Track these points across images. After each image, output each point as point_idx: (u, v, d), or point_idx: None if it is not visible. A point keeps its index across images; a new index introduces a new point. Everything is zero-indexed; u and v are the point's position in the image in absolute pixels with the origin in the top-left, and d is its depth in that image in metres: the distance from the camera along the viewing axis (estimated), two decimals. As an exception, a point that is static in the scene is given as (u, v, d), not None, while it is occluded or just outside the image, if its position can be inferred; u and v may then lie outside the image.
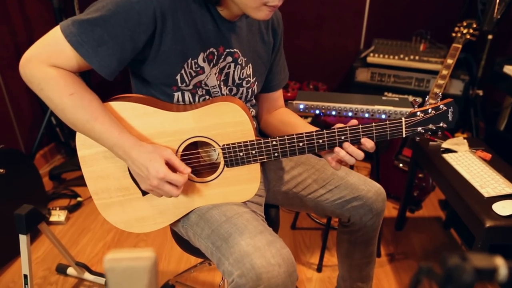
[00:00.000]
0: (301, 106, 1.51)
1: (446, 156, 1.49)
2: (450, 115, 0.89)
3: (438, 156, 1.50)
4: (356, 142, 0.91)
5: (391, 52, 2.20)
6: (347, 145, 0.91)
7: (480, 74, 2.04)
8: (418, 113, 0.90)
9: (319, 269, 1.65)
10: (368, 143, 0.91)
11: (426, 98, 0.91)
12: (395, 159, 2.03)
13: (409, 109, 1.53)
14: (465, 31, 1.93)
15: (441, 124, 0.90)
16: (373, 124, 0.89)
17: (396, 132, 0.90)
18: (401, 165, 2.01)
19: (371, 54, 2.19)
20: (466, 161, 1.43)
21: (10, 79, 2.05)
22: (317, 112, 1.50)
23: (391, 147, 2.07)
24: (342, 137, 0.91)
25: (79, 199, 2.03)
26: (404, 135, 0.91)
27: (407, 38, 2.36)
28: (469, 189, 1.29)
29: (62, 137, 2.34)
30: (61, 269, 1.61)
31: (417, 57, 2.13)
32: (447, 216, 1.94)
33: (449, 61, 1.91)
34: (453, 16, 2.26)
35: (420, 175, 1.96)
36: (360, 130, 0.90)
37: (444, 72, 1.91)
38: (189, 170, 0.88)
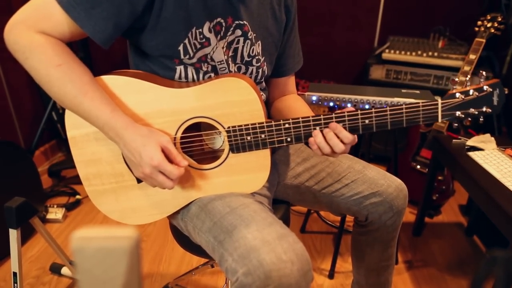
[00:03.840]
0: (314, 98, 1.40)
1: (472, 154, 1.37)
2: (495, 98, 0.77)
3: (463, 155, 1.38)
4: (383, 127, 0.80)
5: (408, 49, 2.09)
6: (334, 126, 0.79)
7: (504, 71, 1.92)
8: (458, 94, 0.78)
9: (331, 276, 1.53)
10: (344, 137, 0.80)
11: (467, 78, 0.79)
12: (412, 160, 1.91)
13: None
14: (489, 25, 1.81)
15: (484, 109, 0.78)
16: (404, 105, 0.78)
17: (431, 116, 0.78)
18: (418, 166, 1.88)
19: (387, 50, 2.09)
20: (495, 160, 1.31)
21: (11, 72, 1.98)
22: (331, 104, 1.40)
23: (408, 148, 1.95)
24: (367, 121, 0.79)
25: (78, 197, 1.95)
26: (439, 120, 0.79)
27: (424, 36, 2.25)
28: (501, 189, 1.17)
29: (63, 134, 2.27)
30: (55, 269, 1.52)
31: (435, 54, 2.02)
32: (469, 222, 1.80)
33: (472, 56, 1.79)
34: (474, 12, 2.15)
35: (439, 178, 1.83)
36: (388, 112, 0.78)
37: (466, 68, 1.79)
38: (186, 163, 0.78)
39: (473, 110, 0.78)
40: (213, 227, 0.79)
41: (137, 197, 0.88)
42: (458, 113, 0.79)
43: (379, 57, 2.11)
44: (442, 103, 0.78)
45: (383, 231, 1.04)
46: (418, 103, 0.78)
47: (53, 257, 1.58)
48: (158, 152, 0.75)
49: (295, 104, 1.02)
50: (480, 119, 0.79)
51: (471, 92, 0.77)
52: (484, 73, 0.78)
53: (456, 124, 0.80)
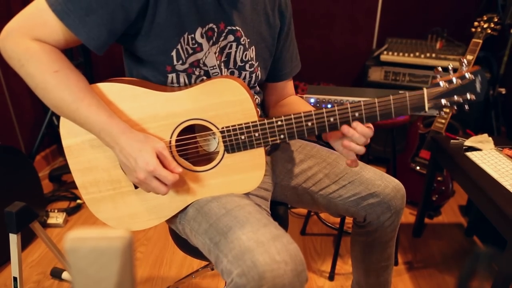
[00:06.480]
0: (312, 100, 1.41)
1: (470, 154, 1.37)
2: (478, 85, 0.78)
3: (461, 155, 1.38)
4: (373, 119, 0.81)
5: (406, 50, 2.10)
6: (355, 124, 0.81)
7: (502, 71, 1.92)
8: (442, 83, 0.79)
9: (331, 278, 1.53)
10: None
11: (450, 67, 0.80)
12: (411, 161, 1.91)
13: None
14: (485, 25, 1.81)
15: (468, 96, 0.79)
16: (391, 97, 0.79)
17: (418, 105, 0.80)
18: (418, 167, 1.89)
19: (385, 52, 2.10)
20: (493, 159, 1.31)
21: (12, 77, 2.00)
22: (329, 106, 1.40)
23: (407, 149, 1.95)
24: (356, 114, 0.81)
25: (78, 201, 1.95)
26: (427, 109, 0.80)
27: (422, 37, 2.26)
28: (499, 189, 1.17)
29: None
30: (56, 273, 1.52)
31: (433, 55, 2.03)
32: (469, 222, 1.80)
33: (469, 57, 1.80)
34: (471, 13, 2.16)
35: (439, 178, 1.83)
36: (377, 104, 0.80)
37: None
38: (180, 169, 0.79)
39: (457, 97, 0.80)
40: (209, 229, 0.80)
41: (134, 203, 0.89)
42: (443, 101, 0.80)
43: (378, 59, 2.12)
44: (427, 92, 0.80)
45: (381, 232, 1.04)
46: (405, 93, 0.79)
47: (53, 262, 1.58)
48: (154, 157, 0.76)
49: (297, 107, 1.03)
50: (466, 107, 0.80)
51: (454, 80, 0.79)
52: (465, 60, 0.79)
53: (442, 113, 0.82)
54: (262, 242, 0.71)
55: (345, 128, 0.82)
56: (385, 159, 2.22)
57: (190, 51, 0.84)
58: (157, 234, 1.78)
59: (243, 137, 0.83)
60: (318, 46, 2.54)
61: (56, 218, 1.82)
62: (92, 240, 0.35)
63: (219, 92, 0.81)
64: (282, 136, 0.83)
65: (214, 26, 0.86)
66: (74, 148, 0.85)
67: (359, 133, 0.81)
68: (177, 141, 0.84)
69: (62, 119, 0.83)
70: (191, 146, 0.86)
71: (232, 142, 0.83)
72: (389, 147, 1.73)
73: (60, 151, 2.40)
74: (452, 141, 1.47)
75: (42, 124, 2.08)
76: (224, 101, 0.81)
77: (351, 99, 1.39)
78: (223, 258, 0.73)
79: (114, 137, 0.77)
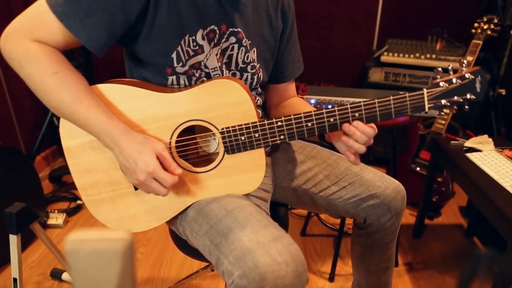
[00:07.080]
0: (312, 101, 1.41)
1: (470, 155, 1.37)
2: (478, 85, 0.78)
3: (461, 156, 1.38)
4: (373, 119, 0.81)
5: (406, 51, 2.10)
6: (356, 123, 0.81)
7: (502, 72, 1.93)
8: (441, 83, 0.79)
9: (331, 279, 1.53)
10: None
11: (449, 67, 0.80)
12: (411, 162, 1.91)
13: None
14: (485, 26, 1.82)
15: (468, 96, 0.79)
16: (391, 97, 0.79)
17: (418, 106, 0.80)
18: (418, 168, 1.89)
19: (385, 53, 2.10)
20: (493, 161, 1.31)
21: (12, 78, 2.00)
22: (330, 107, 1.40)
23: (407, 150, 1.95)
24: (356, 114, 0.81)
25: (78, 202, 1.95)
26: (427, 109, 0.80)
27: (422, 38, 2.26)
28: (499, 190, 1.17)
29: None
30: (56, 274, 1.52)
31: (433, 56, 2.03)
32: (469, 223, 1.80)
33: (469, 58, 1.80)
34: (471, 14, 2.16)
35: (439, 179, 1.83)
36: (377, 105, 0.80)
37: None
38: (180, 171, 0.79)
39: (457, 97, 0.80)
40: (209, 230, 0.80)
41: (134, 204, 0.88)
42: (443, 101, 0.80)
43: (378, 59, 2.12)
44: (427, 93, 0.80)
45: (382, 233, 1.04)
46: (405, 94, 0.79)
47: (53, 263, 1.58)
48: (153, 159, 0.76)
49: (299, 106, 1.03)
50: (466, 107, 0.80)
51: (454, 80, 0.79)
52: (465, 61, 0.79)
53: (443, 113, 0.82)
54: (263, 243, 0.71)
55: (346, 126, 0.82)
56: (385, 160, 2.22)
57: (191, 53, 0.84)
58: (157, 235, 1.77)
59: (243, 137, 0.83)
60: (319, 47, 2.54)
61: (56, 218, 1.82)
62: (92, 242, 0.35)
63: (219, 93, 0.81)
64: (282, 137, 0.83)
65: (216, 28, 0.86)
66: (74, 150, 0.85)
67: (360, 131, 0.81)
68: (177, 142, 0.84)
69: (62, 120, 0.83)
70: (191, 147, 0.86)
71: (232, 142, 0.83)
72: (389, 148, 1.73)
73: (60, 151, 2.40)
74: (452, 142, 1.47)
75: (42, 125, 2.08)
76: (224, 102, 0.81)
77: (351, 100, 1.39)
78: (224, 259, 0.73)
79: (114, 139, 0.77)
